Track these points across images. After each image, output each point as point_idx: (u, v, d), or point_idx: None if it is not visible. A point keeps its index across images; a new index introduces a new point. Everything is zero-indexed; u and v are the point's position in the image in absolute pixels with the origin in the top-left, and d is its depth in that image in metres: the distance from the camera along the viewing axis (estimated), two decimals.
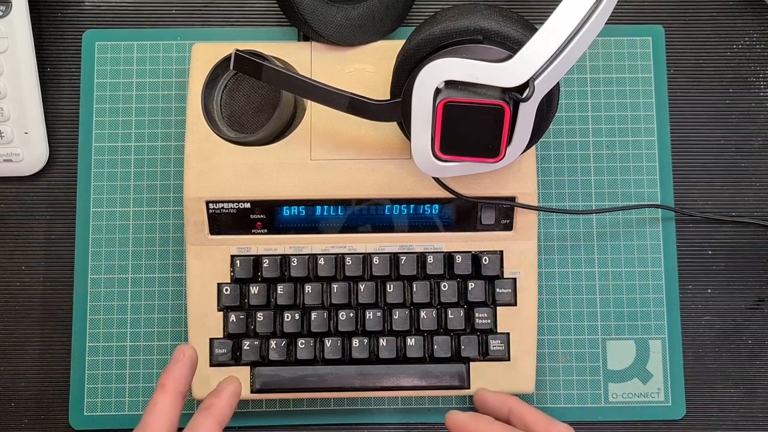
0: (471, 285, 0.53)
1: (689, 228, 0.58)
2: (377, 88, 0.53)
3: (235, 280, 0.53)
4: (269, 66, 0.47)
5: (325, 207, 0.53)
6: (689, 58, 0.60)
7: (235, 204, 0.53)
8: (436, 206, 0.53)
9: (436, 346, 0.53)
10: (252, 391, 0.53)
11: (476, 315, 0.53)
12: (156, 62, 0.59)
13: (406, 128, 0.48)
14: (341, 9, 0.53)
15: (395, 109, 0.47)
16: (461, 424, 0.45)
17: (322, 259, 0.53)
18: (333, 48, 0.55)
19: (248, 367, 0.53)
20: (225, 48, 0.54)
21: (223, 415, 0.41)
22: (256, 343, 0.53)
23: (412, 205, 0.53)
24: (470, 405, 0.56)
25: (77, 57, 0.59)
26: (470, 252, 0.54)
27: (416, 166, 0.47)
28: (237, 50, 0.47)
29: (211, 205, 0.53)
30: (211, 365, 0.53)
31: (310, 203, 0.53)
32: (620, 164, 0.58)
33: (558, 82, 0.44)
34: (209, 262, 0.53)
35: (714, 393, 0.57)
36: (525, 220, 0.53)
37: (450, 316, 0.53)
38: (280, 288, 0.53)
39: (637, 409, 0.56)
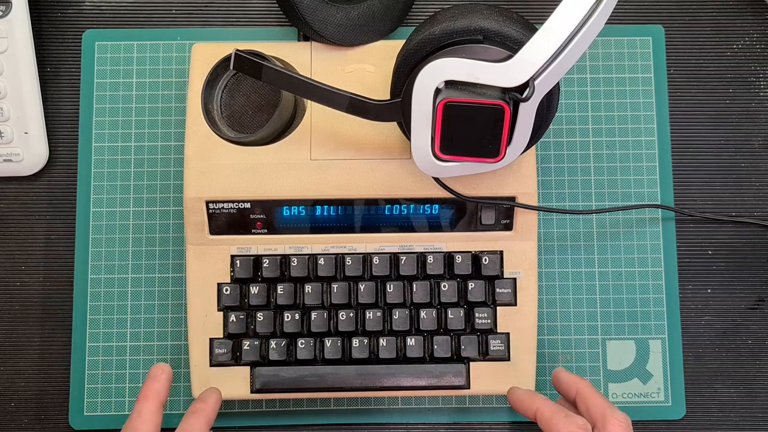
0: (471, 285, 0.53)
1: (689, 228, 0.58)
2: (377, 88, 0.53)
3: (235, 280, 0.53)
4: (269, 66, 0.47)
5: (325, 207, 0.53)
6: (689, 58, 0.60)
7: (235, 204, 0.53)
8: (436, 206, 0.53)
9: (436, 346, 0.53)
10: (252, 391, 0.53)
11: (476, 315, 0.53)
12: (156, 62, 0.59)
13: (406, 128, 0.48)
14: (341, 9, 0.53)
15: (395, 109, 0.47)
16: (519, 398, 0.47)
17: (322, 259, 0.53)
18: (333, 48, 0.55)
19: (248, 367, 0.53)
20: (225, 48, 0.54)
21: (210, 418, 0.45)
22: (256, 343, 0.53)
23: (412, 205, 0.53)
24: (471, 405, 0.56)
25: (77, 57, 0.59)
26: (470, 252, 0.54)
27: (416, 166, 0.47)
28: (237, 50, 0.47)
29: (211, 205, 0.53)
30: (211, 365, 0.53)
31: (310, 203, 0.53)
32: (620, 164, 0.58)
33: (558, 82, 0.44)
34: (209, 262, 0.53)
35: (714, 393, 0.57)
36: (525, 220, 0.53)
37: (450, 316, 0.53)
38: (280, 288, 0.53)
39: (637, 409, 0.56)
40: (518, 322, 0.53)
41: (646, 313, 0.57)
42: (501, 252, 0.54)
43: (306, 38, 0.56)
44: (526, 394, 0.47)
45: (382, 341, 0.53)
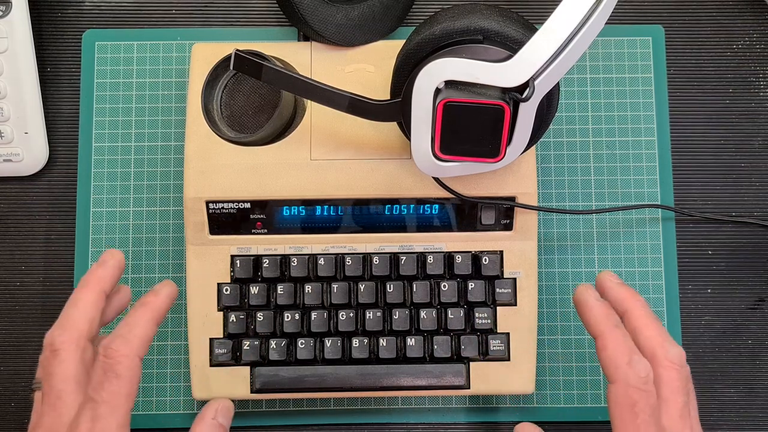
0: (471, 285, 0.53)
1: (689, 228, 0.58)
2: (377, 88, 0.53)
3: (235, 280, 0.53)
4: (269, 66, 0.47)
5: (325, 207, 0.53)
6: (689, 58, 0.60)
7: (235, 204, 0.53)
8: (436, 206, 0.53)
9: (436, 346, 0.53)
10: (252, 391, 0.53)
11: (476, 315, 0.53)
12: (156, 62, 0.59)
13: (406, 128, 0.48)
14: (341, 9, 0.53)
15: (395, 109, 0.47)
16: (588, 307, 0.42)
17: (322, 259, 0.53)
18: (333, 48, 0.55)
19: (248, 367, 0.53)
20: (225, 48, 0.54)
21: (159, 312, 0.42)
22: (256, 343, 0.53)
23: (412, 205, 0.53)
24: (471, 405, 0.56)
25: (77, 57, 0.59)
26: (470, 252, 0.54)
27: (416, 166, 0.47)
28: (237, 50, 0.47)
29: (211, 205, 0.53)
30: (211, 365, 0.53)
31: (310, 203, 0.53)
32: (620, 164, 0.58)
33: (558, 82, 0.44)
34: (209, 262, 0.53)
35: (714, 393, 0.57)
36: (525, 220, 0.53)
37: (450, 316, 0.53)
38: (280, 288, 0.53)
39: None
40: (518, 322, 0.53)
41: None
42: (501, 252, 0.54)
43: (306, 38, 0.56)
44: (599, 309, 0.41)
45: (382, 341, 0.53)
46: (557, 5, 0.40)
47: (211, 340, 0.53)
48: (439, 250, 0.54)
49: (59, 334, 0.39)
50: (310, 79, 0.47)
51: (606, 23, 0.41)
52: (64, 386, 0.38)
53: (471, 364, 0.53)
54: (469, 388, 0.53)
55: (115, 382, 0.38)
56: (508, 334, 0.53)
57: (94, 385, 0.38)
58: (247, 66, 0.47)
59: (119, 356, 0.38)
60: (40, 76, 0.57)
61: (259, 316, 0.53)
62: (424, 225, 0.53)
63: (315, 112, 0.53)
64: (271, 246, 0.54)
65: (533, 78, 0.41)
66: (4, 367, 0.57)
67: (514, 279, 0.53)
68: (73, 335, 0.39)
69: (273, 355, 0.53)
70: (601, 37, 0.59)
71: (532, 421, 0.55)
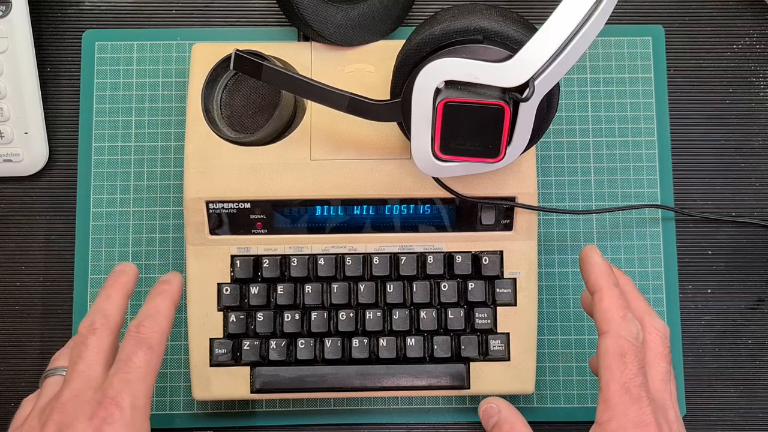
0: (471, 285, 0.53)
1: (689, 228, 0.58)
2: (377, 88, 0.53)
3: (235, 280, 0.53)
4: (269, 66, 0.47)
5: (325, 207, 0.53)
6: (689, 58, 0.60)
7: (235, 204, 0.53)
8: (436, 206, 0.53)
9: (436, 346, 0.53)
10: (252, 391, 0.53)
11: (476, 315, 0.53)
12: (156, 62, 0.59)
13: (406, 128, 0.48)
14: (341, 9, 0.53)
15: (395, 109, 0.47)
16: (591, 265, 0.43)
17: (322, 259, 0.53)
18: (333, 48, 0.55)
19: (248, 367, 0.53)
20: (225, 48, 0.54)
21: (176, 298, 0.44)
22: (256, 343, 0.53)
23: (412, 205, 0.53)
24: (471, 405, 0.56)
25: (77, 57, 0.59)
26: (470, 252, 0.54)
27: (416, 166, 0.47)
28: (237, 50, 0.47)
29: (211, 205, 0.53)
30: (211, 365, 0.53)
31: (310, 203, 0.53)
32: (620, 164, 0.58)
33: (558, 82, 0.44)
34: (209, 262, 0.53)
35: (714, 393, 0.57)
36: (525, 220, 0.53)
37: (450, 316, 0.53)
38: (280, 288, 0.53)
39: None
40: (518, 322, 0.53)
41: None
42: (501, 252, 0.54)
43: (306, 38, 0.56)
44: (602, 267, 0.43)
45: (382, 341, 0.53)
46: (557, 5, 0.40)
47: (211, 340, 0.53)
48: (439, 250, 0.54)
49: (98, 318, 0.42)
50: (310, 79, 0.47)
51: (606, 23, 0.41)
52: (97, 357, 0.41)
53: (471, 364, 0.53)
54: (469, 388, 0.53)
55: (148, 352, 0.40)
56: (508, 334, 0.53)
57: (126, 356, 0.40)
58: (247, 66, 0.47)
59: (150, 332, 0.41)
60: (40, 76, 0.57)
61: (259, 316, 0.53)
62: (424, 225, 0.53)
63: (315, 112, 0.53)
64: (271, 246, 0.54)
65: (533, 78, 0.41)
66: (4, 367, 0.57)
67: (514, 279, 0.53)
68: (110, 321, 0.42)
69: (273, 355, 0.53)
70: (601, 37, 0.59)
71: (531, 422, 0.55)
